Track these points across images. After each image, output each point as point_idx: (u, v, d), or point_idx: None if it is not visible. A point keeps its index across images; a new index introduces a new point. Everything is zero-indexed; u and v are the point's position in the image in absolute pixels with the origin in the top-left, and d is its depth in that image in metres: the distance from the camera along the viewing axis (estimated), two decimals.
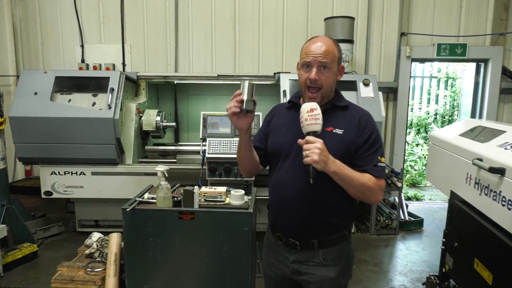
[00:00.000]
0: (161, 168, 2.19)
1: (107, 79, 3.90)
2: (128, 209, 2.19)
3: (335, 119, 1.59)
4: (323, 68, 1.53)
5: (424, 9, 5.21)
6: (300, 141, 1.45)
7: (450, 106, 7.78)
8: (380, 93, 4.03)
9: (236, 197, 2.22)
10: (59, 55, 5.70)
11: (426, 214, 5.07)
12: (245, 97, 1.48)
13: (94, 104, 3.91)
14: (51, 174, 3.93)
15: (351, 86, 3.99)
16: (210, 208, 2.23)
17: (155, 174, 4.03)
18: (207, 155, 3.53)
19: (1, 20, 5.38)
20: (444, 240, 2.86)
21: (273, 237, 1.71)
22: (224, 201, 2.26)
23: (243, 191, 2.27)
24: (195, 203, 2.23)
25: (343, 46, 4.37)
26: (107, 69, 5.19)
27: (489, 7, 5.17)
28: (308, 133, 1.44)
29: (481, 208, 2.30)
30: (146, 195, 2.38)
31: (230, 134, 3.68)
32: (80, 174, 3.94)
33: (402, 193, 4.51)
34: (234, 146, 3.59)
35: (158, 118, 4.27)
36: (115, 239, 2.61)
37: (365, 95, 3.92)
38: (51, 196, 3.97)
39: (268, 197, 1.73)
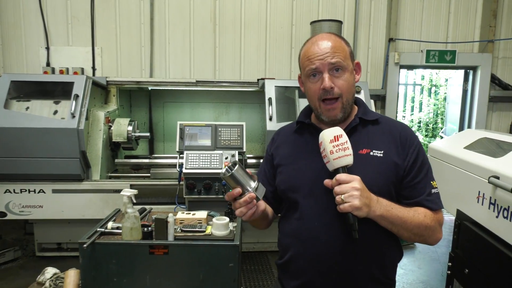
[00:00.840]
0: (127, 192, 1.80)
1: (71, 84, 3.47)
2: (85, 246, 1.77)
3: (369, 137, 1.23)
4: (336, 70, 1.18)
5: (412, 14, 5.03)
6: (327, 182, 1.12)
7: (434, 114, 7.68)
8: (372, 101, 3.77)
9: (219, 227, 1.86)
10: (21, 58, 5.19)
11: None
12: (251, 189, 1.13)
13: (55, 112, 3.46)
14: (5, 192, 3.44)
15: None
16: (188, 240, 1.85)
17: None
18: (184, 170, 3.14)
19: None
20: (450, 264, 2.57)
21: None
22: (204, 230, 1.89)
23: (227, 219, 1.91)
24: (170, 234, 1.85)
25: None
26: (75, 73, 4.73)
27: (477, 13, 5.04)
28: (337, 170, 1.11)
29: (500, 232, 2.02)
30: (110, 224, 1.97)
31: (210, 146, 3.32)
32: (39, 192, 3.47)
33: None
34: (215, 160, 3.22)
35: (130, 128, 3.85)
36: (72, 278, 2.18)
37: None
38: (5, 218, 3.47)
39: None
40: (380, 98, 5.10)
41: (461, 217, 2.45)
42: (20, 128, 3.26)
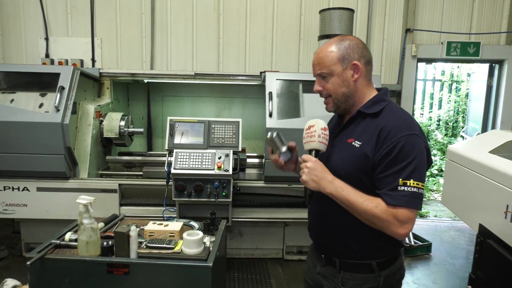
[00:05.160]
0: (83, 200, 1.54)
1: (57, 75, 3.23)
2: (29, 263, 1.51)
3: (360, 129, 1.42)
4: (323, 77, 1.46)
5: (431, 3, 4.60)
6: (299, 158, 1.48)
7: (454, 111, 7.19)
8: None
9: (190, 244, 1.57)
10: (20, 49, 5.03)
11: (432, 235, 4.45)
12: (279, 152, 1.50)
13: (41, 105, 3.24)
14: None
15: None
16: (152, 258, 1.57)
17: (114, 191, 3.40)
18: (172, 171, 2.87)
19: None
20: (470, 287, 2.22)
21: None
22: (173, 247, 1.60)
23: (200, 234, 1.61)
24: (132, 251, 1.57)
25: None
26: (60, 63, 4.52)
27: (505, 2, 4.58)
28: (309, 151, 1.42)
29: None
30: (68, 236, 1.71)
31: (202, 145, 3.03)
32: (23, 189, 3.26)
33: None
34: (207, 160, 2.94)
35: (123, 123, 3.61)
36: None
37: None
38: None
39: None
40: (395, 94, 4.70)
41: (484, 233, 2.10)
42: (1, 122, 3.05)
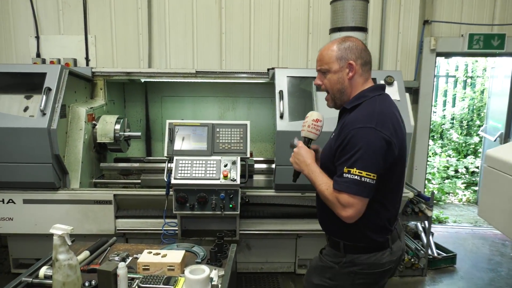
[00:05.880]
0: (57, 230, 1.21)
1: (43, 75, 2.91)
2: None
3: (342, 122, 1.57)
4: (322, 73, 1.63)
5: None
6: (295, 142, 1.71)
7: (469, 109, 6.83)
8: (407, 94, 3.07)
9: (193, 285, 1.24)
10: (10, 48, 4.71)
11: (454, 243, 4.12)
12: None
13: (26, 109, 2.92)
14: None
15: None
16: None
17: (109, 202, 3.08)
18: (173, 181, 2.55)
19: None
20: None
21: None
22: (172, 287, 1.27)
23: (206, 271, 1.28)
24: None
25: (353, 34, 3.44)
26: (52, 62, 4.21)
27: None
28: (304, 139, 1.68)
29: None
30: (43, 271, 1.39)
31: (206, 151, 2.71)
32: (8, 202, 2.95)
33: (431, 224, 3.53)
34: (212, 169, 2.61)
35: (118, 127, 3.29)
36: None
37: None
38: None
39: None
40: (412, 91, 4.36)
41: None
42: None
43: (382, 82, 3.00)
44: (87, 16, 4.54)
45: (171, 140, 2.71)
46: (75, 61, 4.55)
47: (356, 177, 1.39)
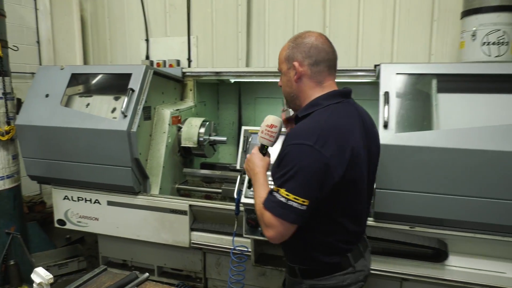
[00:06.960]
0: (37, 277, 0.91)
1: (129, 76, 2.83)
2: None
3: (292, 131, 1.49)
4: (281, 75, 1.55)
5: None
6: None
7: None
8: None
9: None
10: (124, 51, 5.05)
11: None
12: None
13: (114, 110, 2.89)
14: (64, 198, 3.06)
15: None
16: None
17: (184, 212, 2.84)
18: (243, 199, 2.15)
19: (69, 16, 4.91)
20: None
21: None
22: None
23: None
24: None
25: (497, 16, 2.59)
26: (158, 64, 4.25)
27: None
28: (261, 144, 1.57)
29: None
30: None
31: None
32: (94, 202, 2.98)
33: None
34: None
35: (202, 130, 3.07)
36: None
37: None
38: (64, 226, 3.11)
39: None
40: None
41: None
42: (71, 129, 2.78)
43: None
44: (190, 16, 4.53)
45: (245, 151, 2.32)
46: (178, 62, 4.60)
47: (282, 199, 1.28)
